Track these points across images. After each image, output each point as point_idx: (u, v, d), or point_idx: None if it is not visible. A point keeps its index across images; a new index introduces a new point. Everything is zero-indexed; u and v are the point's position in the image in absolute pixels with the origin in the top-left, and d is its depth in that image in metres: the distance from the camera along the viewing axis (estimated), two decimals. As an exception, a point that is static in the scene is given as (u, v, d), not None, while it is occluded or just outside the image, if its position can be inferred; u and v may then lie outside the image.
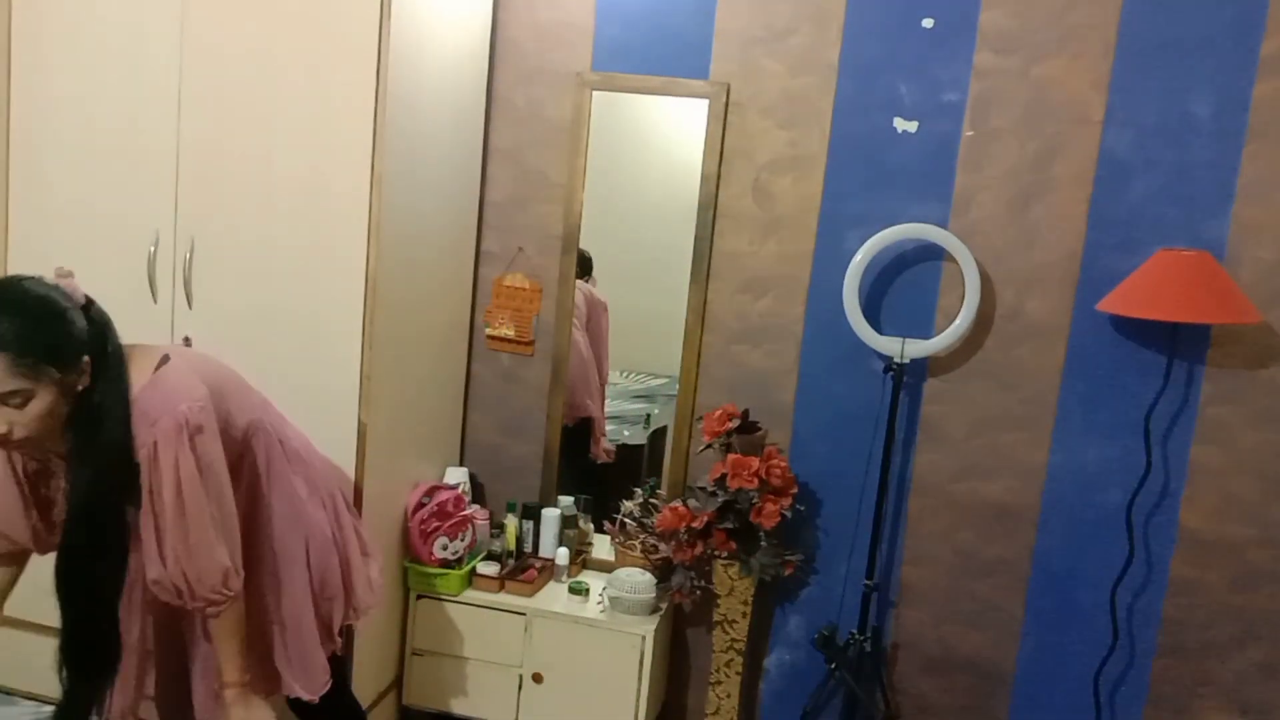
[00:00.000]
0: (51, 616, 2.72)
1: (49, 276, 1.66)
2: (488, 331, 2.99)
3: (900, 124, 2.65)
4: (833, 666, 2.69)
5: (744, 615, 2.71)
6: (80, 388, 1.62)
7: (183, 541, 1.69)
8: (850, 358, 2.74)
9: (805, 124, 2.71)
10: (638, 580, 2.69)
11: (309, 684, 1.98)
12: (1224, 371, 2.53)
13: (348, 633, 2.28)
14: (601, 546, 2.99)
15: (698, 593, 2.71)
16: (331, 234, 2.40)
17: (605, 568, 2.89)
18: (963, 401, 2.71)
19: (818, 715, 2.80)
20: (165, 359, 1.75)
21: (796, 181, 2.74)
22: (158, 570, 1.71)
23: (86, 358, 1.62)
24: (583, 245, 2.93)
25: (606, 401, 3.09)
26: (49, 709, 2.08)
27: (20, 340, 1.54)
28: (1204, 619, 2.61)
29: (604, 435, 3.09)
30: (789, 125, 2.72)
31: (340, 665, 2.16)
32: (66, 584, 1.68)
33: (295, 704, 2.09)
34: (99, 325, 1.66)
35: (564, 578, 2.83)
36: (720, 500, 2.59)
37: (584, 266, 2.97)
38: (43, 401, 1.58)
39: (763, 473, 2.58)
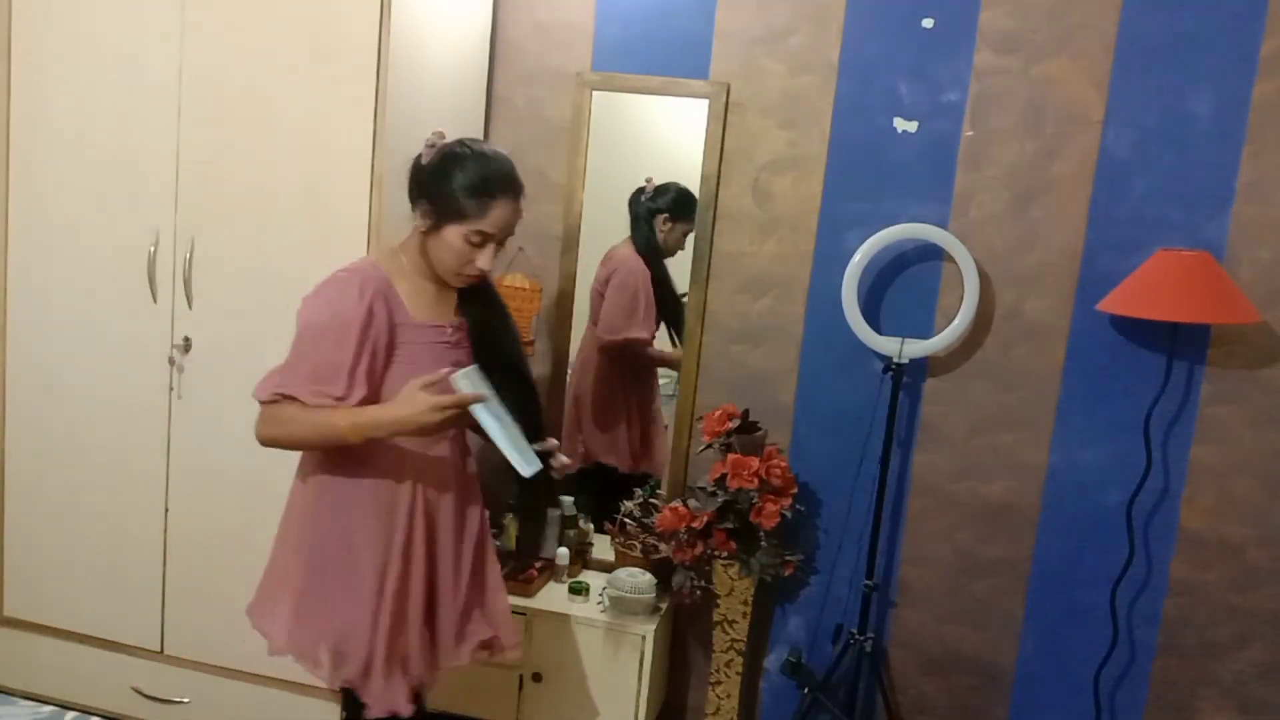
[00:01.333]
0: (52, 616, 2.71)
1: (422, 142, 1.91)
2: (488, 331, 2.99)
3: (900, 124, 2.65)
4: (805, 691, 2.69)
5: (744, 615, 2.71)
6: None
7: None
8: (850, 358, 2.74)
9: (805, 124, 2.71)
10: (638, 580, 2.69)
11: (510, 635, 2.11)
12: (1224, 371, 2.53)
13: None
14: (601, 546, 2.99)
15: (698, 593, 2.71)
16: (331, 234, 2.40)
17: (605, 568, 2.89)
18: (962, 401, 2.71)
19: (817, 716, 2.80)
20: None
21: (796, 181, 2.74)
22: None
23: None
24: (583, 246, 2.91)
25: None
26: (49, 709, 2.08)
27: (522, 191, 1.89)
28: (1204, 619, 2.61)
29: (633, 465, 3.04)
30: (789, 125, 2.72)
31: None
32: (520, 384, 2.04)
33: None
34: None
35: (564, 578, 2.84)
36: (720, 500, 2.59)
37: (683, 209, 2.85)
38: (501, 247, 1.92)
39: (763, 473, 2.58)
